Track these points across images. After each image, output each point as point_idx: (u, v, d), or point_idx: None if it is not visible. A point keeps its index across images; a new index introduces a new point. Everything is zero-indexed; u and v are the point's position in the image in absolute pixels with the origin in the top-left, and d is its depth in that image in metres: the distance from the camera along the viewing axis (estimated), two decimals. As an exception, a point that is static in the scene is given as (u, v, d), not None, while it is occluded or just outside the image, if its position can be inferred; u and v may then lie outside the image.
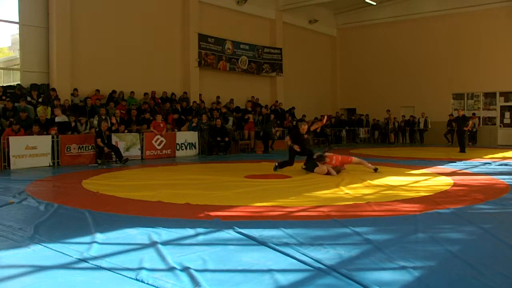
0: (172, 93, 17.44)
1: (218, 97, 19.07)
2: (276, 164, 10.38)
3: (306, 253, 3.88)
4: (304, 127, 10.48)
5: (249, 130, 17.46)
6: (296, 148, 10.12)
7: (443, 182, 8.44)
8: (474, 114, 21.13)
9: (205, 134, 15.54)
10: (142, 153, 13.89)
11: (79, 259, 3.83)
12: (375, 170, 9.92)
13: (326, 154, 9.99)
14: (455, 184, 8.15)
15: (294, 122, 20.66)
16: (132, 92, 16.19)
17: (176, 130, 15.34)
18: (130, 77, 16.26)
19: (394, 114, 23.03)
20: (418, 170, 10.43)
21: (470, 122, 17.35)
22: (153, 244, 4.24)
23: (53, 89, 14.00)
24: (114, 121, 12.93)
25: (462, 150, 15.84)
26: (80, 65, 15.07)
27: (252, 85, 21.25)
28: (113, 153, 12.73)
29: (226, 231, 4.72)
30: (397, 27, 24.25)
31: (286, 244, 4.18)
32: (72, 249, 4.09)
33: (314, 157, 9.85)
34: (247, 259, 3.82)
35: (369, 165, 10.15)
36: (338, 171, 9.67)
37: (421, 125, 22.68)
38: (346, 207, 6.09)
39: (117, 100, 15.45)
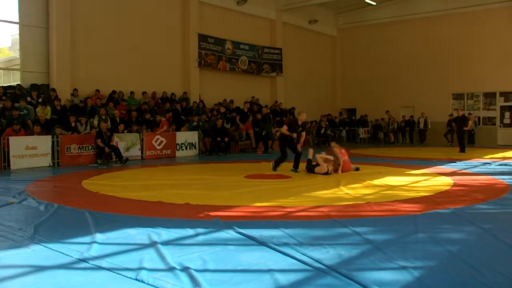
0: (172, 93, 17.44)
1: (225, 100, 19.07)
2: (273, 163, 10.41)
3: (306, 253, 3.88)
4: (303, 117, 10.31)
5: (247, 129, 17.42)
6: (293, 136, 10.01)
7: (443, 182, 8.44)
8: (470, 113, 21.00)
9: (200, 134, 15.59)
10: (142, 153, 13.89)
11: (79, 259, 3.83)
12: (356, 169, 10.33)
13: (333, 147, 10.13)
14: (455, 184, 8.15)
15: (291, 117, 20.61)
16: (132, 92, 16.19)
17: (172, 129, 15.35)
18: (130, 77, 16.26)
19: (394, 114, 23.02)
20: (418, 170, 10.43)
21: (470, 122, 17.35)
22: (153, 244, 4.24)
23: (53, 89, 13.99)
24: (107, 126, 12.65)
25: (462, 150, 15.85)
26: (80, 65, 15.07)
27: (252, 85, 21.24)
28: (113, 153, 12.72)
29: (226, 231, 4.72)
30: (397, 27, 24.25)
31: (286, 244, 4.18)
32: (72, 249, 4.09)
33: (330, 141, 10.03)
34: (247, 259, 3.82)
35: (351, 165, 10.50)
36: (336, 170, 9.69)
37: (421, 125, 22.67)
38: (346, 207, 6.09)
39: (117, 100, 15.45)
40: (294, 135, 10.07)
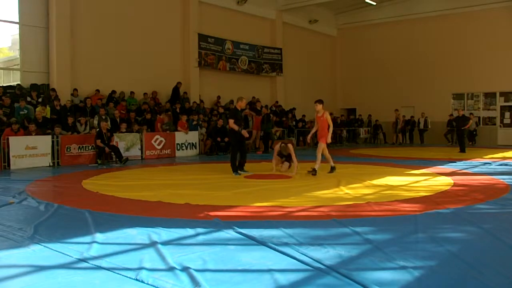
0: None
1: (219, 97, 19.09)
2: (234, 171, 9.72)
3: (306, 253, 3.88)
4: (242, 103, 9.71)
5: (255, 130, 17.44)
6: (244, 133, 9.49)
7: (443, 182, 8.44)
8: (471, 113, 21.00)
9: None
10: (142, 153, 13.88)
11: (79, 259, 3.83)
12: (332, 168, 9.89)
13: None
14: (455, 184, 8.15)
15: (294, 122, 20.66)
16: (132, 92, 16.19)
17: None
18: (130, 77, 16.26)
19: (394, 114, 22.98)
20: (418, 170, 10.43)
21: (470, 122, 17.35)
22: (153, 244, 4.24)
23: (53, 89, 14.00)
24: (107, 126, 12.67)
25: (462, 150, 15.85)
26: (80, 65, 15.06)
27: (252, 85, 21.24)
28: (113, 153, 12.73)
29: (226, 231, 4.72)
30: (397, 27, 24.25)
31: (286, 244, 4.18)
32: (72, 249, 4.08)
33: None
34: (247, 259, 3.82)
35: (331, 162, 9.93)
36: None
37: (421, 125, 22.66)
38: (346, 207, 6.09)
39: (117, 100, 15.45)
40: (244, 132, 9.49)
